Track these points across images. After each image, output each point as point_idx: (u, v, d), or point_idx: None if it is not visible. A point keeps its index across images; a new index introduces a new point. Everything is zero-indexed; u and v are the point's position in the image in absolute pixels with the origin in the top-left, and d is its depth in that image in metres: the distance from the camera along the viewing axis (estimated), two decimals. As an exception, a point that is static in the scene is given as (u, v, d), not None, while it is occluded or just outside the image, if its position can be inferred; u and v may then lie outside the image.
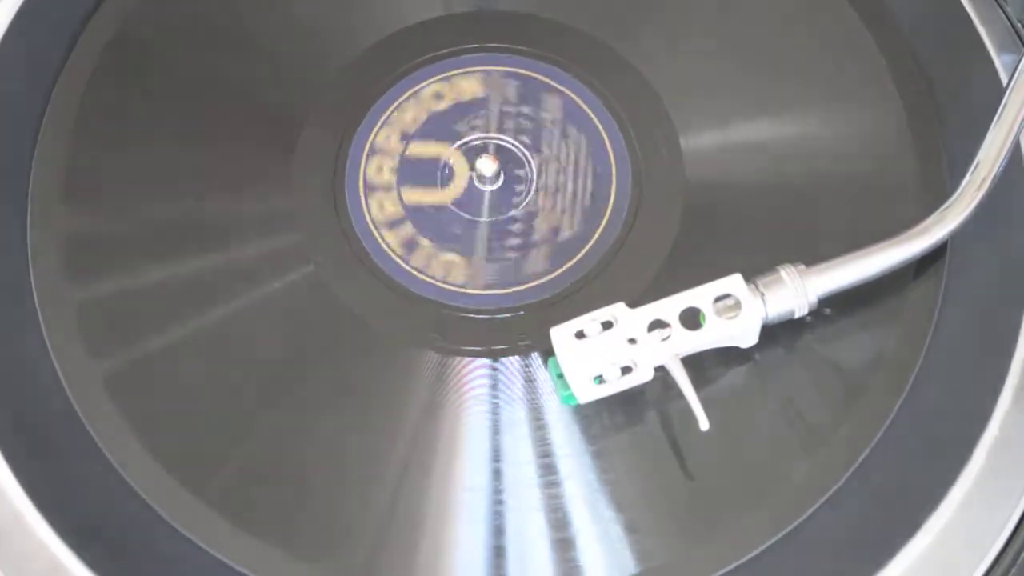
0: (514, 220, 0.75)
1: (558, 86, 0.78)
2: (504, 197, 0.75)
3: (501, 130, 0.77)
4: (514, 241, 0.74)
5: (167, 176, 0.75)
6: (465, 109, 0.77)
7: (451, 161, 0.76)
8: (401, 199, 0.75)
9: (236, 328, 0.72)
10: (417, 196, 0.75)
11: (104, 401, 0.69)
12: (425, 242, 0.74)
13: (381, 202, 0.75)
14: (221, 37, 0.79)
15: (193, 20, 0.79)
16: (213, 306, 0.72)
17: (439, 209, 0.75)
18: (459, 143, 0.77)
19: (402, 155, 0.76)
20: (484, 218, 0.75)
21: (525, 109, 0.77)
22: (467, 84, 0.78)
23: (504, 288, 0.72)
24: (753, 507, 0.67)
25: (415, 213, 0.75)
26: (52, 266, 0.72)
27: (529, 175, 0.76)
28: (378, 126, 0.77)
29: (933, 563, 0.66)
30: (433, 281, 0.73)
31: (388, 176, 0.76)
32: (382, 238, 0.74)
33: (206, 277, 0.73)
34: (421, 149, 0.77)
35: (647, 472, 0.68)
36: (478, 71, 0.78)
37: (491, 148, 0.76)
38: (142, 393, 0.70)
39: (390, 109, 0.77)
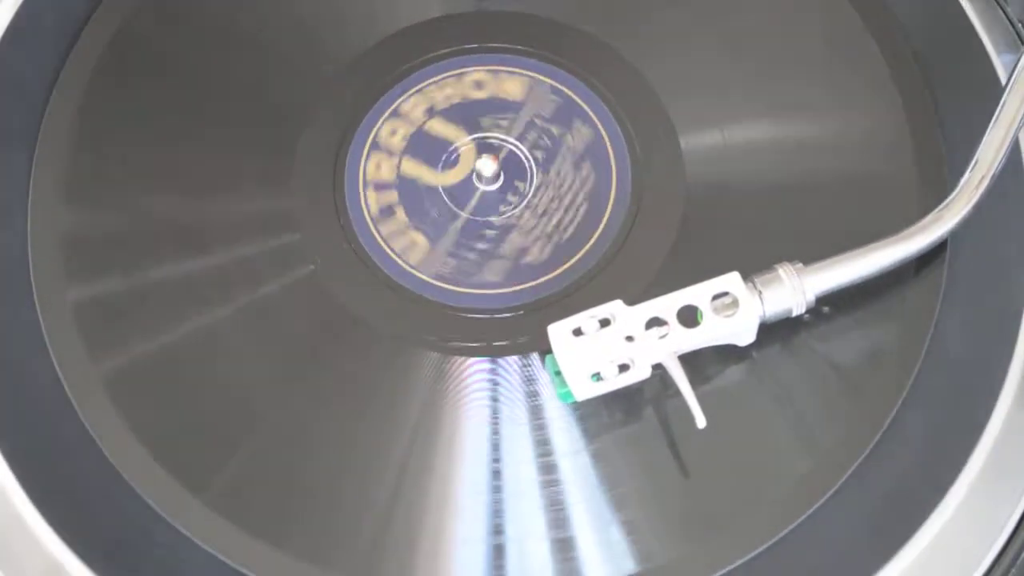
0: (491, 226, 0.75)
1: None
2: (494, 201, 0.75)
3: (521, 138, 0.77)
4: (481, 245, 0.74)
5: (167, 176, 0.75)
6: (499, 106, 0.78)
7: (461, 150, 0.76)
8: (399, 167, 0.76)
9: (236, 328, 0.72)
10: (414, 169, 0.76)
11: (104, 401, 0.69)
12: (401, 214, 0.74)
13: (379, 163, 0.76)
14: (221, 37, 0.79)
15: (193, 20, 0.80)
16: (213, 306, 0.72)
17: (429, 189, 0.76)
18: (476, 136, 0.77)
19: (419, 128, 0.77)
20: (465, 213, 0.75)
21: (553, 128, 0.77)
22: (510, 85, 0.78)
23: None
24: (753, 507, 0.67)
25: (405, 184, 0.75)
26: (52, 266, 0.72)
27: (525, 191, 0.76)
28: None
29: (933, 563, 0.66)
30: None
31: (399, 143, 0.77)
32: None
33: (206, 277, 0.73)
34: (440, 128, 0.77)
35: (647, 472, 0.68)
36: (523, 75, 0.79)
37: (501, 151, 0.76)
38: (142, 393, 0.70)
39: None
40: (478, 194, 0.75)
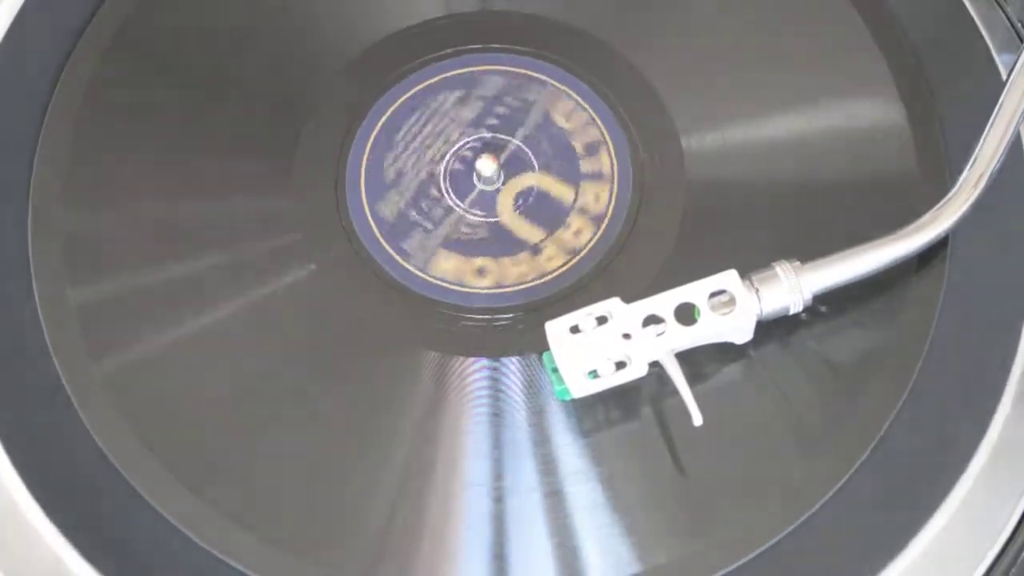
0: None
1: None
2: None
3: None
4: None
5: (167, 176, 0.75)
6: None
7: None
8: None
9: (236, 328, 0.72)
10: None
11: (104, 401, 0.69)
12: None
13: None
14: (221, 37, 0.80)
15: (193, 20, 0.80)
16: (213, 306, 0.72)
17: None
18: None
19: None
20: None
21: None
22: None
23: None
24: (753, 507, 0.67)
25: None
26: (52, 266, 0.73)
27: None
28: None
29: (933, 564, 0.66)
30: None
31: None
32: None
33: (206, 277, 0.73)
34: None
35: (648, 472, 0.68)
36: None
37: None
38: (142, 393, 0.70)
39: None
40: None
